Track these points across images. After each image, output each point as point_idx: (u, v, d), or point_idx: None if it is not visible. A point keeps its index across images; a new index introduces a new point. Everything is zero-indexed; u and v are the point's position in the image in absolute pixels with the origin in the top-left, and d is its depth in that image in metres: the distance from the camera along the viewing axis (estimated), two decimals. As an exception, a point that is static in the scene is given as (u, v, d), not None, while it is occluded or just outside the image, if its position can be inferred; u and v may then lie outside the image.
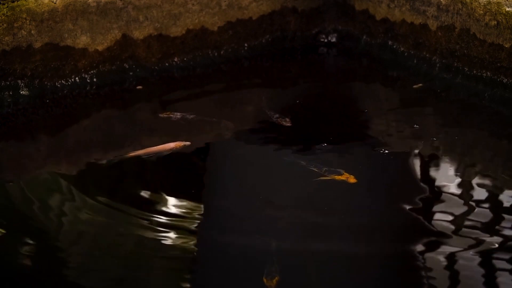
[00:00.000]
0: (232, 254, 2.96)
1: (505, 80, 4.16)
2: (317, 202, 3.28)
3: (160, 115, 4.03)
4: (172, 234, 3.12)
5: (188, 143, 3.69)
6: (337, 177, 3.35)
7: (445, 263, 2.91)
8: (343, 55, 4.95)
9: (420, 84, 4.42)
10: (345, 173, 3.37)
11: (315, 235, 3.07)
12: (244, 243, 3.01)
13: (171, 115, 4.00)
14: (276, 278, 2.74)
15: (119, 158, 3.65)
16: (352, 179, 3.34)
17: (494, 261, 2.92)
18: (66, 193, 3.44)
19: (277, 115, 3.90)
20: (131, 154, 3.64)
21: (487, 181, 3.49)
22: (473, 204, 3.29)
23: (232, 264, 2.91)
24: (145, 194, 3.50)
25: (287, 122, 3.79)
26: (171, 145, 3.65)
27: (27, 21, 4.17)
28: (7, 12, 4.12)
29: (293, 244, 3.02)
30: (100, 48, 4.38)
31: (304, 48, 4.96)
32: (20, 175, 3.63)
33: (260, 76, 4.74)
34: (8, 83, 4.17)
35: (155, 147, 3.65)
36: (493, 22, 4.16)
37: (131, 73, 4.49)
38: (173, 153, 3.60)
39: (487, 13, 4.19)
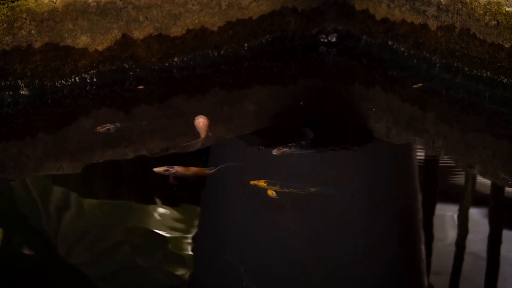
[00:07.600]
0: (227, 264, 2.95)
1: (505, 80, 4.16)
2: (322, 208, 3.26)
3: (96, 130, 3.89)
4: (171, 236, 3.13)
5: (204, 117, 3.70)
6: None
7: (446, 261, 2.92)
8: (343, 55, 4.95)
9: (420, 84, 4.42)
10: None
11: (317, 243, 3.06)
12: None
13: (108, 127, 3.89)
14: None
15: (186, 147, 3.62)
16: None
17: (496, 259, 2.94)
18: (67, 193, 3.44)
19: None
20: (200, 139, 3.61)
21: (487, 182, 3.50)
22: (473, 204, 3.30)
23: (227, 273, 2.90)
24: (145, 195, 3.50)
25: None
26: (205, 121, 3.64)
27: (27, 21, 4.16)
28: (7, 12, 4.12)
29: (292, 254, 3.00)
30: (100, 48, 4.38)
31: (304, 48, 4.96)
32: (21, 175, 3.63)
33: (260, 76, 4.74)
34: (8, 83, 4.16)
35: (202, 130, 3.63)
36: (493, 22, 4.16)
37: (131, 73, 4.48)
38: (173, 154, 3.60)
39: (487, 13, 4.19)
